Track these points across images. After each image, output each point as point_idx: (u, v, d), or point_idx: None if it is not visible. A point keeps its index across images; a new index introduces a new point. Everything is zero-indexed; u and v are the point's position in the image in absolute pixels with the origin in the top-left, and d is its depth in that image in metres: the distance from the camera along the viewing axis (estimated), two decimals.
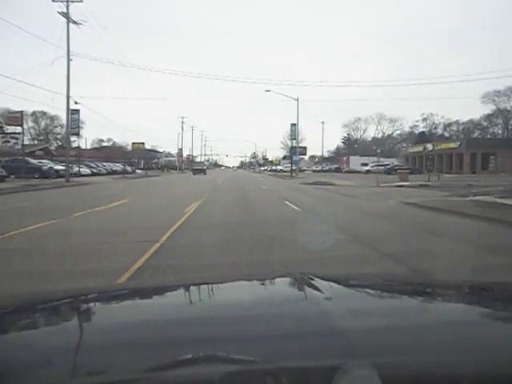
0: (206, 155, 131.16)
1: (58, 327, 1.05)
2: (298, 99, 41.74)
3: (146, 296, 1.37)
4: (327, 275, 1.70)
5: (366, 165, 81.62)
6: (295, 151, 46.72)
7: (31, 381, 0.72)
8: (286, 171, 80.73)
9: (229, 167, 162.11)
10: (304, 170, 75.57)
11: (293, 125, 45.67)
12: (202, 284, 1.48)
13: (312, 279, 1.27)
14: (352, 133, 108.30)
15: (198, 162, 68.54)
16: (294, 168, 46.57)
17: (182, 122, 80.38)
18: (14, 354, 0.82)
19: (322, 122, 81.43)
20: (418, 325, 0.97)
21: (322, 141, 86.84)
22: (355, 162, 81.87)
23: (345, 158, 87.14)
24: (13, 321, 1.09)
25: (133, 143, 63.46)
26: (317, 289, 1.17)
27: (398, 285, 1.53)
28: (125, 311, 1.15)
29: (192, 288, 1.40)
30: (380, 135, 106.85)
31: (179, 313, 1.09)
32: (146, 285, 2.19)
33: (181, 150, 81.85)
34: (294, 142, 46.73)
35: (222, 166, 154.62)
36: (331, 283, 1.37)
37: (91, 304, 1.26)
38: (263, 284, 1.45)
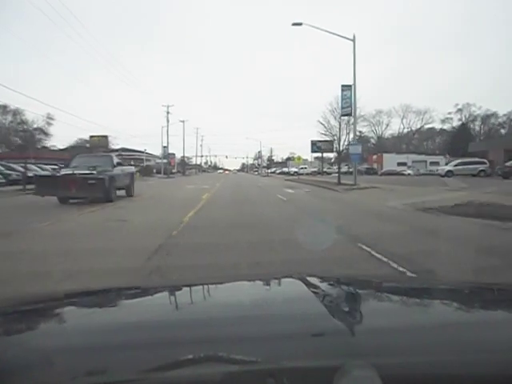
0: (202, 156, 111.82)
1: (57, 327, 1.03)
2: (354, 38, 22.39)
3: (147, 296, 1.34)
4: (328, 276, 1.67)
5: (404, 164, 62.95)
6: (332, 148, 27.02)
7: (31, 381, 0.71)
8: (301, 174, 62.46)
9: (229, 170, 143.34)
10: (328, 173, 56.80)
11: (345, 88, 24.31)
12: (203, 284, 1.46)
13: (312, 279, 1.25)
14: (373, 128, 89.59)
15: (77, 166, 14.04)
16: (340, 169, 26.68)
17: (168, 113, 61.25)
18: (14, 354, 0.81)
19: (348, 114, 61.86)
20: (418, 325, 0.96)
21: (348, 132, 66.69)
22: (390, 161, 63.27)
23: (375, 157, 68.31)
24: (13, 321, 1.07)
25: (91, 137, 44.19)
26: (317, 289, 1.16)
27: (399, 285, 1.51)
28: (125, 311, 1.14)
29: (193, 288, 1.38)
30: (406, 130, 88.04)
31: (179, 313, 1.09)
32: (147, 285, 2.01)
33: (166, 147, 62.53)
34: (346, 114, 26.40)
35: (220, 168, 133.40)
36: (331, 284, 1.38)
37: (91, 304, 1.23)
38: (264, 284, 1.43)
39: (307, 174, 61.97)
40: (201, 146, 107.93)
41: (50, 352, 0.81)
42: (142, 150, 64.71)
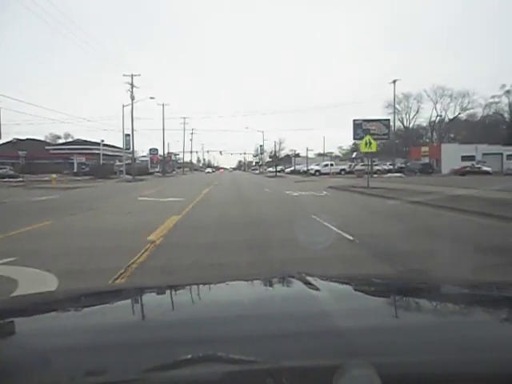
0: (191, 152, 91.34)
1: (57, 327, 1.01)
2: None
3: (146, 296, 1.32)
4: (327, 275, 1.62)
5: (471, 158, 43.46)
6: None
7: (31, 381, 0.70)
8: (327, 173, 42.76)
9: (224, 168, 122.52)
10: (364, 172, 37.03)
11: None
12: (202, 284, 1.43)
13: (311, 279, 1.23)
14: (399, 116, 69.93)
15: None
16: None
17: (132, 86, 40.77)
18: (14, 354, 0.80)
19: (394, 81, 41.81)
20: (417, 324, 0.95)
21: (392, 115, 46.42)
22: (451, 153, 43.81)
23: (424, 149, 48.45)
24: (13, 321, 1.05)
25: None
26: (316, 288, 1.14)
27: (398, 285, 1.48)
28: (125, 311, 1.13)
29: (191, 288, 1.36)
30: (439, 118, 68.22)
31: (179, 313, 1.08)
32: (146, 285, 1.90)
33: (128, 136, 41.93)
34: None
35: (210, 166, 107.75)
36: (331, 283, 1.35)
37: (91, 304, 1.22)
38: (263, 284, 1.40)
39: (334, 173, 42.58)
40: (190, 140, 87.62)
41: (50, 352, 0.79)
42: (124, 146, 43.07)
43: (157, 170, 61.34)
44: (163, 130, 59.00)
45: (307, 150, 50.83)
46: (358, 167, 45.44)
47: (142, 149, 73.16)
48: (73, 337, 0.88)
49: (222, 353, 0.73)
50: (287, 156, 67.23)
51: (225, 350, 0.74)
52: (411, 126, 70.20)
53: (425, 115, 69.90)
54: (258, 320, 0.96)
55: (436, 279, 2.00)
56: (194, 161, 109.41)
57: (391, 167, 46.09)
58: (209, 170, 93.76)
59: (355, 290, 1.35)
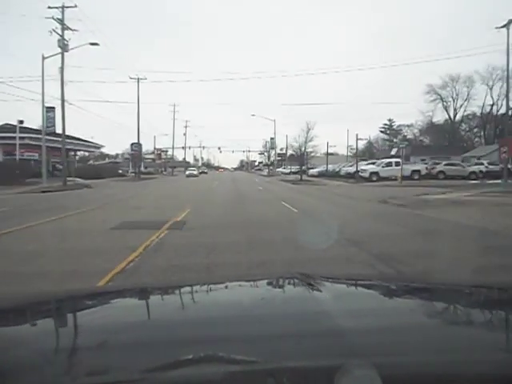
0: (184, 148, 73.11)
1: (57, 327, 1.01)
2: None
3: (147, 296, 1.32)
4: (327, 275, 1.60)
5: None
6: None
7: (31, 381, 0.69)
8: (385, 177, 24.92)
9: (224, 168, 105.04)
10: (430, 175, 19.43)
11: None
12: (202, 284, 1.44)
13: (312, 279, 1.23)
14: (444, 103, 52.40)
15: None
16: None
17: (63, 25, 22.88)
18: (14, 354, 0.79)
19: (509, 22, 24.02)
20: (418, 325, 0.94)
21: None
22: None
23: None
24: (13, 321, 1.05)
25: None
26: (317, 289, 1.14)
27: (398, 285, 1.48)
28: (125, 311, 1.12)
29: (192, 288, 1.35)
30: (495, 107, 50.52)
31: (179, 313, 1.07)
32: (147, 285, 1.93)
33: (51, 111, 23.38)
34: None
35: (192, 166, 69.48)
36: (331, 283, 1.35)
37: (91, 304, 1.21)
38: (263, 284, 1.39)
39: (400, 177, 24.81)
40: (184, 134, 69.75)
41: (51, 352, 0.79)
42: (44, 125, 24.54)
43: (129, 171, 47.37)
44: (138, 114, 41.36)
45: (357, 138, 32.65)
46: (449, 167, 28.00)
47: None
48: (73, 337, 0.87)
49: (223, 353, 0.72)
50: (292, 155, 49.85)
51: (226, 350, 0.73)
52: (458, 117, 52.68)
53: (477, 103, 51.70)
54: (259, 320, 0.95)
55: (436, 280, 1.94)
56: (191, 159, 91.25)
57: (489, 168, 28.53)
58: (192, 170, 54.79)
59: (356, 290, 1.34)
